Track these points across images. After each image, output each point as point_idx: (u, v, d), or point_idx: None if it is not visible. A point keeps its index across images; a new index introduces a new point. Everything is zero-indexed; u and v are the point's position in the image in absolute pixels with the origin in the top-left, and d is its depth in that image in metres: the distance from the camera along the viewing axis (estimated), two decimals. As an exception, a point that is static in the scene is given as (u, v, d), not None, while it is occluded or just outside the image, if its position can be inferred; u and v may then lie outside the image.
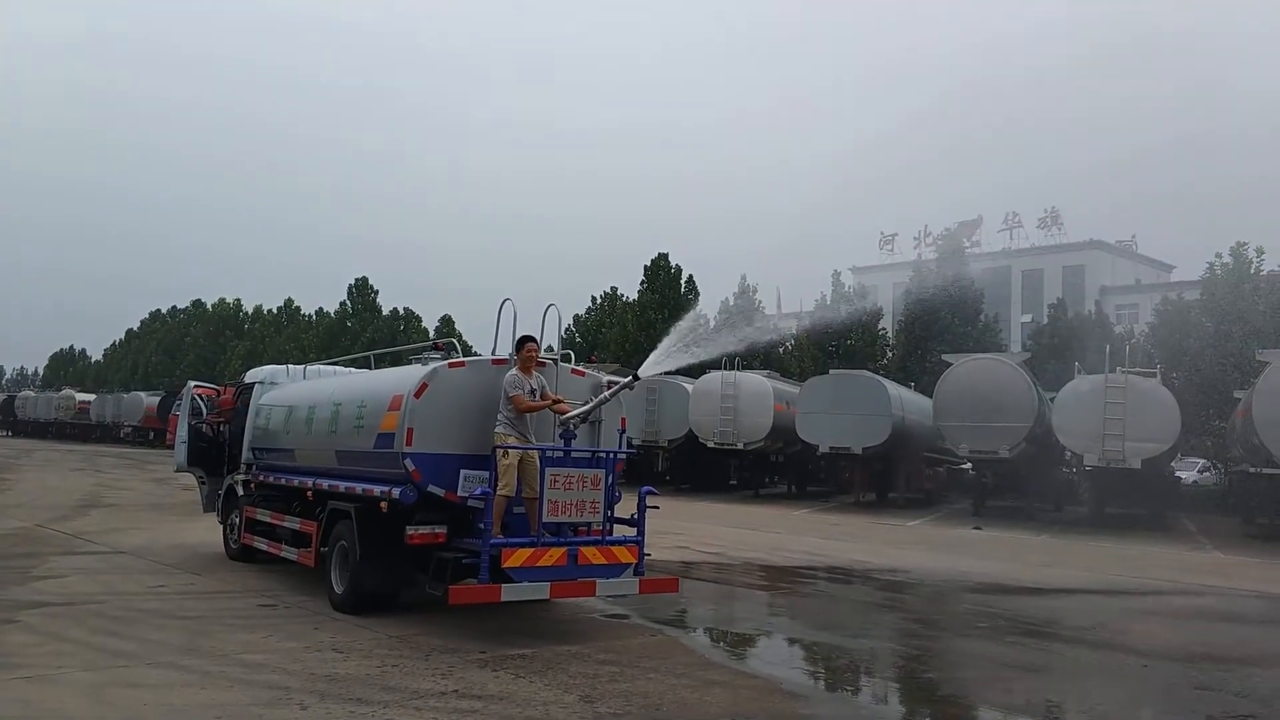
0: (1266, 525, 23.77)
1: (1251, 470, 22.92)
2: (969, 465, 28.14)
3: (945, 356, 28.01)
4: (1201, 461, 34.87)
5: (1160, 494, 25.39)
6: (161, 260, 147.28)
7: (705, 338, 10.14)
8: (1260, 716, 7.53)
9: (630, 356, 37.92)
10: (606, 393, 9.32)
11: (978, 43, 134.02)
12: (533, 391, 8.81)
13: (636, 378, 9.64)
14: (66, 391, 70.27)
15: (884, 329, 43.37)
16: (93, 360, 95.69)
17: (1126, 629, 10.82)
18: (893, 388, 28.75)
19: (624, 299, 46.93)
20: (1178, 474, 29.30)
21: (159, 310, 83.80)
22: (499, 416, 8.68)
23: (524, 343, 8.99)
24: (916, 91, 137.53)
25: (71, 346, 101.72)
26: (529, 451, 8.59)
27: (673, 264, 43.61)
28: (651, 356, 9.99)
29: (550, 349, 10.45)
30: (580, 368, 10.13)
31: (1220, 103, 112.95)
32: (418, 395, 8.80)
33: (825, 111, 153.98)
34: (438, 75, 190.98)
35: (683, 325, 10.31)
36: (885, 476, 29.54)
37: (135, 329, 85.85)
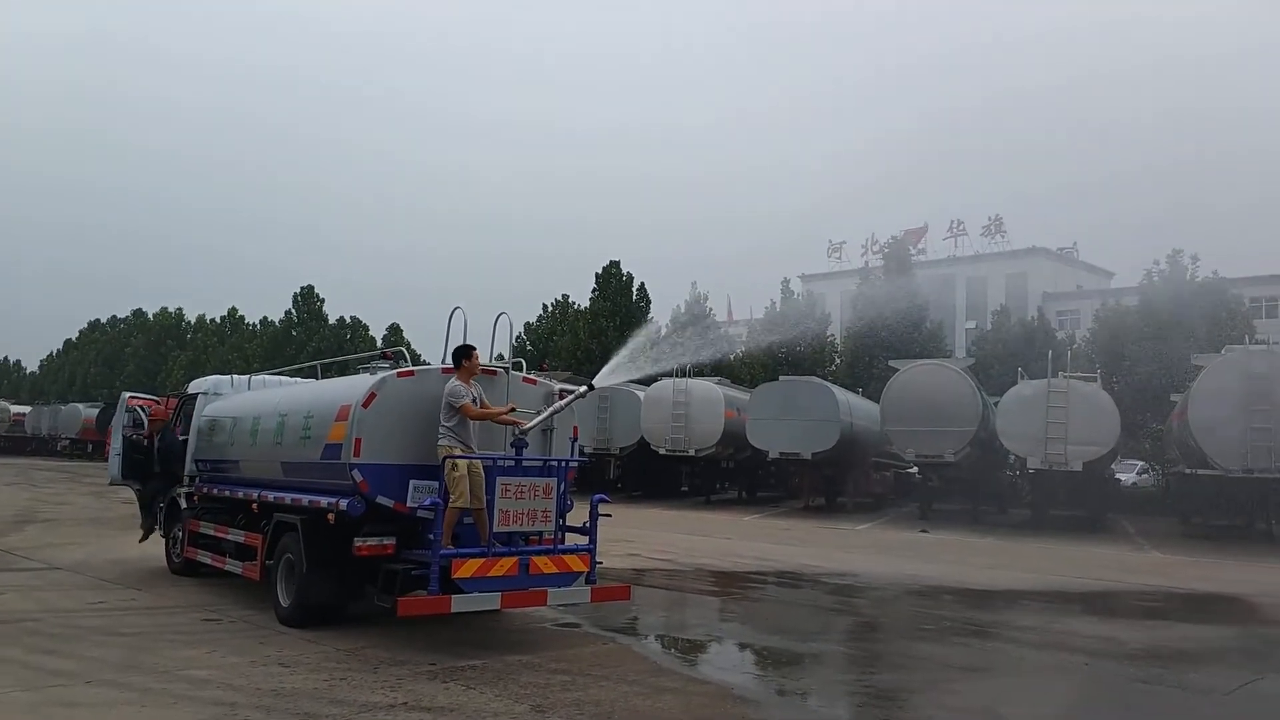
0: (1202, 525, 24.40)
1: (1188, 472, 23.49)
2: (916, 469, 28.52)
3: (892, 363, 28.37)
4: (1140, 464, 35.66)
5: (1101, 496, 25.92)
6: (111, 266, 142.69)
7: (659, 353, 10.25)
8: (1198, 710, 7.73)
9: (582, 365, 37.89)
10: (560, 402, 9.32)
11: (945, 56, 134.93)
12: (476, 400, 8.76)
13: (591, 387, 9.65)
14: (1, 403, 68.47)
15: (832, 336, 43.81)
16: (28, 371, 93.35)
17: (1069, 628, 11.03)
18: (841, 394, 29.05)
19: (575, 306, 46.90)
20: (1117, 476, 29.94)
21: (98, 320, 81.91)
22: (440, 428, 8.59)
23: (470, 352, 8.92)
24: (889, 103, 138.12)
25: (6, 358, 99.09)
26: (474, 461, 8.53)
27: (624, 271, 43.73)
28: (606, 367, 10.01)
29: (501, 357, 10.43)
30: (532, 376, 10.09)
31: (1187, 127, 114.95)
32: (366, 405, 8.71)
33: (793, 124, 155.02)
34: (419, 73, 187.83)
35: (638, 340, 10.39)
36: (834, 481, 29.83)
37: (74, 339, 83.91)
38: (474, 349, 8.96)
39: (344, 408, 8.93)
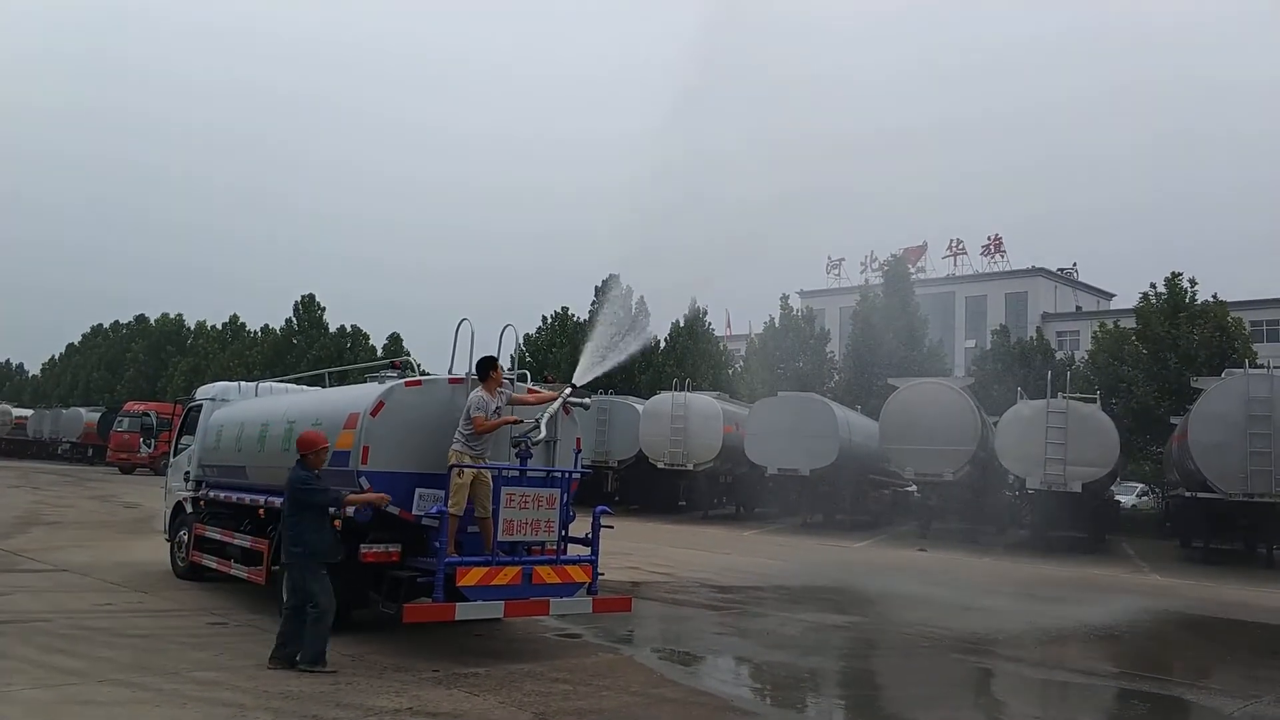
0: (1202, 548, 24.42)
1: (1187, 495, 23.53)
2: (914, 488, 28.58)
3: (891, 380, 28.45)
4: (1140, 486, 35.70)
5: (1100, 517, 25.92)
6: (107, 273, 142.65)
7: (620, 340, 10.43)
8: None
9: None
10: (552, 405, 9.40)
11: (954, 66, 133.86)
12: (497, 411, 8.86)
13: (574, 386, 9.79)
14: (3, 406, 68.50)
15: (831, 352, 43.94)
16: (30, 375, 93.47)
17: (1066, 647, 11.13)
18: (840, 410, 29.14)
19: (575, 319, 47.05)
20: (1117, 498, 29.99)
21: (100, 325, 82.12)
22: (456, 434, 8.71)
23: (495, 364, 9.02)
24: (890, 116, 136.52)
25: (8, 361, 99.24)
26: (482, 471, 8.63)
27: (624, 284, 43.85)
28: (581, 363, 10.19)
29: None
30: (536, 388, 10.22)
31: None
32: (374, 414, 8.84)
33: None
34: (390, 85, 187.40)
35: (601, 328, 10.57)
36: (832, 498, 29.86)
37: (76, 344, 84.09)
38: (498, 361, 9.05)
39: (352, 416, 9.05)
